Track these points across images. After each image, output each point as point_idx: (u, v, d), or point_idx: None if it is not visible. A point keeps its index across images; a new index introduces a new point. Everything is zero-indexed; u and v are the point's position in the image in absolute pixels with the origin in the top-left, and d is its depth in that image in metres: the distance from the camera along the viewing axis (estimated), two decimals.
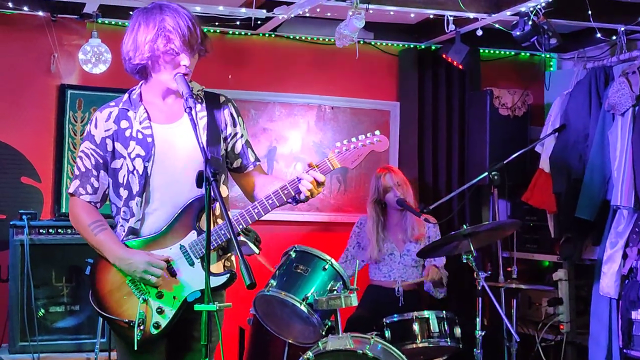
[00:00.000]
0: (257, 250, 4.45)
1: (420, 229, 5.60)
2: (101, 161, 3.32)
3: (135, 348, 3.20)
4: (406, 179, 5.69)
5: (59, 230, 5.13)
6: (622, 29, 5.67)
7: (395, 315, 4.91)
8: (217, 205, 3.20)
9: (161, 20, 3.17)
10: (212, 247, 3.18)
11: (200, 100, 3.35)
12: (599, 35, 5.58)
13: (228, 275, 3.24)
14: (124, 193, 3.28)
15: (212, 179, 2.85)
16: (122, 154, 3.28)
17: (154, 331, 3.22)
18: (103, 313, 3.27)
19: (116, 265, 3.24)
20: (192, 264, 3.24)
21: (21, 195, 5.70)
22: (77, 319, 5.18)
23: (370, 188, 5.71)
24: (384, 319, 4.91)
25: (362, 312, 5.36)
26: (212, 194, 2.87)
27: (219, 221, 3.25)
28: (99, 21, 5.66)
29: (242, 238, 3.74)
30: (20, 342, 5.01)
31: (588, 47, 6.25)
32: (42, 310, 5.11)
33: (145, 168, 3.24)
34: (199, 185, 2.89)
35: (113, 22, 5.82)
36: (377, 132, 3.32)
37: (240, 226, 3.24)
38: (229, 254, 3.35)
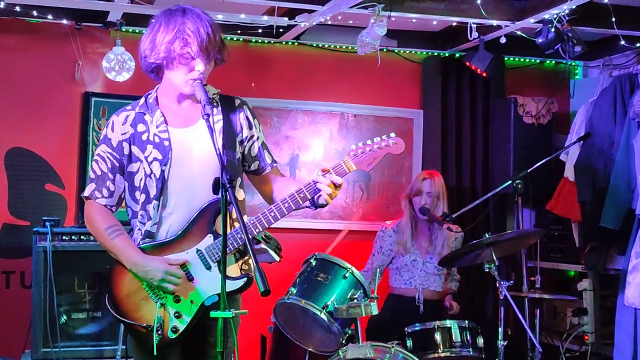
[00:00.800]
0: (277, 258, 4.43)
1: (449, 246, 5.57)
2: (117, 164, 3.33)
3: (155, 353, 3.20)
4: (442, 194, 5.62)
5: (82, 237, 5.13)
6: None
7: (416, 325, 4.88)
8: (233, 209, 3.20)
9: (182, 23, 3.19)
10: (228, 251, 3.17)
11: (215, 104, 3.35)
12: (623, 42, 5.53)
13: (245, 279, 3.23)
14: (140, 197, 3.29)
15: (228, 185, 2.84)
16: (138, 157, 3.29)
17: (172, 335, 3.22)
18: (120, 317, 3.28)
19: (132, 271, 3.25)
20: (209, 268, 3.24)
21: (45, 202, 5.75)
22: (98, 326, 5.19)
23: (410, 184, 5.71)
24: (406, 328, 4.87)
25: (384, 320, 5.32)
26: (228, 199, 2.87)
27: (235, 225, 3.24)
28: (123, 29, 5.71)
29: (262, 246, 3.73)
30: (42, 348, 5.02)
31: (614, 55, 6.21)
32: (65, 317, 5.12)
33: (163, 172, 3.25)
34: (215, 191, 2.89)
35: (137, 31, 5.85)
36: (392, 134, 3.30)
37: (257, 230, 3.22)
38: (247, 257, 3.33)
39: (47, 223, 5.09)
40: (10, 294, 5.64)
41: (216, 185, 2.88)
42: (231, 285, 3.17)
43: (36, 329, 5.03)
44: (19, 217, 5.70)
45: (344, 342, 4.43)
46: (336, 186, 3.20)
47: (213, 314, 2.81)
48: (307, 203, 3.25)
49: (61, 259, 5.08)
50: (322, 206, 3.25)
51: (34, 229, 5.10)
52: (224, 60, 3.33)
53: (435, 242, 5.56)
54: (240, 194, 3.35)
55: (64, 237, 5.12)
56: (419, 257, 5.53)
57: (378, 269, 4.77)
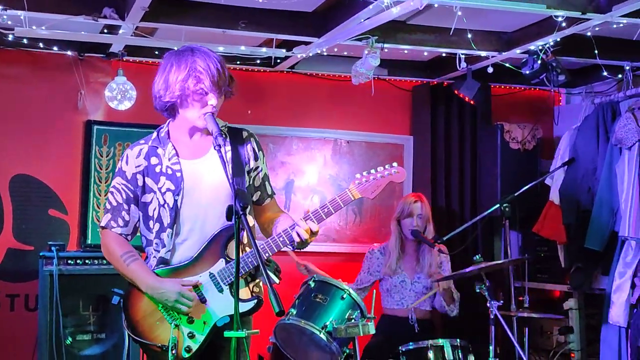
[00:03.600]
0: (277, 280, 4.60)
1: (437, 266, 5.74)
2: (132, 195, 3.50)
3: None
4: (431, 217, 5.82)
5: (87, 261, 5.30)
6: (628, 67, 5.86)
7: (410, 344, 5.01)
8: (244, 234, 3.38)
9: (192, 61, 3.37)
10: (240, 274, 3.36)
11: (224, 136, 3.53)
12: (605, 73, 5.75)
13: (255, 300, 3.41)
14: (155, 226, 3.47)
15: (241, 212, 3.02)
16: (152, 188, 3.47)
17: (186, 355, 3.38)
18: (137, 338, 3.44)
19: (148, 294, 3.42)
20: (221, 290, 3.41)
21: (49, 227, 5.89)
22: (103, 347, 5.33)
23: (397, 207, 5.83)
24: (400, 347, 5.01)
25: (378, 340, 5.48)
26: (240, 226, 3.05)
27: (247, 249, 3.43)
28: (125, 60, 5.89)
29: None
30: None
31: (595, 83, 6.44)
32: (70, 339, 5.25)
33: (176, 201, 3.43)
34: (228, 218, 3.08)
35: (138, 61, 6.05)
36: (394, 164, 3.50)
37: (267, 254, 3.40)
38: (257, 280, 3.52)
39: (53, 248, 5.25)
40: (15, 316, 5.77)
41: (229, 212, 3.07)
42: (242, 307, 3.33)
43: (42, 350, 5.16)
44: (24, 242, 5.83)
45: None
46: (312, 233, 3.36)
47: (227, 333, 2.99)
48: (289, 247, 3.43)
49: (66, 282, 5.23)
50: (299, 248, 3.42)
51: (41, 254, 5.25)
52: (233, 93, 3.52)
53: (422, 263, 5.71)
54: (250, 220, 3.53)
55: (69, 261, 5.29)
56: (407, 277, 5.69)
57: (375, 291, 4.93)
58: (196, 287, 3.41)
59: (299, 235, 3.34)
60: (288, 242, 3.39)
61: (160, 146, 3.51)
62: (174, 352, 3.36)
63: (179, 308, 3.36)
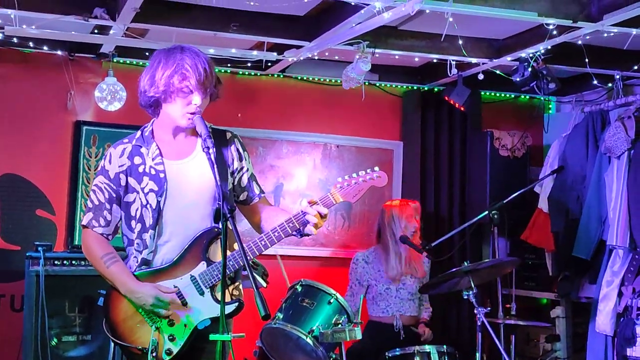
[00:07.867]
0: (264, 284, 4.60)
1: (423, 267, 5.74)
2: (114, 195, 3.48)
3: None
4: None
5: (73, 262, 5.27)
6: (618, 75, 5.88)
7: (397, 349, 5.02)
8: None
9: (181, 59, 3.35)
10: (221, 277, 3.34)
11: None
12: (595, 82, 5.77)
13: (237, 304, 3.39)
14: (136, 226, 3.44)
15: (228, 215, 3.02)
16: (135, 188, 3.45)
17: (166, 357, 3.36)
18: (116, 340, 3.42)
19: (127, 297, 3.40)
20: (202, 293, 3.39)
21: (36, 228, 5.86)
22: (88, 349, 5.30)
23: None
24: (386, 353, 5.02)
25: (364, 345, 5.46)
26: (227, 228, 3.03)
27: (229, 252, 3.39)
28: (115, 60, 5.88)
29: None
30: None
31: (586, 92, 6.46)
32: (55, 340, 5.22)
33: (159, 202, 3.41)
34: (216, 220, 3.07)
35: (128, 62, 6.04)
36: (376, 168, 3.49)
37: (248, 257, 3.37)
38: (237, 283, 3.50)
39: (39, 248, 5.21)
40: (0, 317, 5.73)
41: (217, 215, 3.06)
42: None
43: (27, 351, 5.13)
44: (10, 242, 5.80)
45: None
46: (322, 216, 3.37)
47: (212, 337, 2.97)
48: (294, 232, 3.42)
49: (53, 283, 5.20)
50: (308, 235, 3.43)
51: (27, 254, 5.22)
52: (219, 96, 3.49)
53: (409, 266, 5.71)
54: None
55: (55, 262, 5.25)
56: (392, 284, 5.68)
57: (361, 296, 4.92)
58: (178, 291, 3.39)
59: (309, 221, 3.33)
60: (291, 233, 3.36)
61: (144, 145, 3.49)
62: (154, 354, 3.34)
63: (158, 312, 3.36)
